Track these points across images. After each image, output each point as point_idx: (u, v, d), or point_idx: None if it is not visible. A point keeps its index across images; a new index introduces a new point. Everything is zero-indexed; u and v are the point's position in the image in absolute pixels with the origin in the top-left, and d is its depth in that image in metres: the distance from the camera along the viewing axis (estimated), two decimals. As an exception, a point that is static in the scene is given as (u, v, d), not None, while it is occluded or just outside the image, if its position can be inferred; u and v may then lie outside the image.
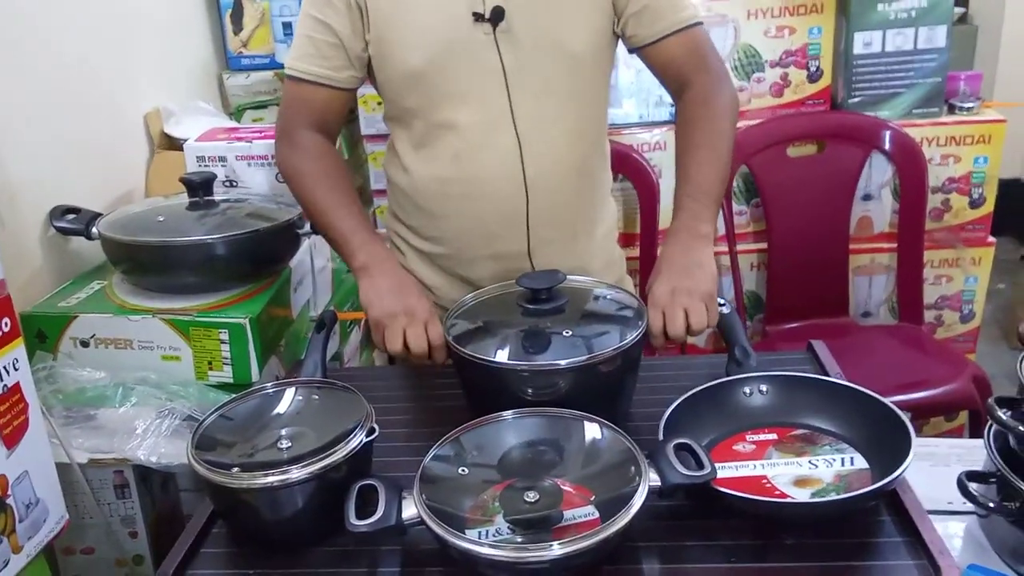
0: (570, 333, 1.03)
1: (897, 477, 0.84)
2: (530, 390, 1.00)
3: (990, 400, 0.94)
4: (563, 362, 0.98)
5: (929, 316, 2.05)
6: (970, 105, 1.94)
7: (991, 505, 0.92)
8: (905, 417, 0.92)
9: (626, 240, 1.95)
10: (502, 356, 1.01)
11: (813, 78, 1.97)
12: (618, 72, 1.95)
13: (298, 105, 1.21)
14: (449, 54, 1.13)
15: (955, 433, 2.03)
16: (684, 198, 1.14)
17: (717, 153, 1.15)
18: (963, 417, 2.01)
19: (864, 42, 1.90)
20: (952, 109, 1.96)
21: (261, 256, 1.35)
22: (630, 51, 1.22)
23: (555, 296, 1.07)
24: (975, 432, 1.81)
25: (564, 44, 1.15)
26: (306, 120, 1.21)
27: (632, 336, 1.01)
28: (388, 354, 1.14)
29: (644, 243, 1.98)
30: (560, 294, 1.07)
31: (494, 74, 1.14)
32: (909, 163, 1.92)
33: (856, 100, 1.95)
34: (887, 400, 0.95)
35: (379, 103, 1.43)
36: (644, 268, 1.95)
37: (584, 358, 0.98)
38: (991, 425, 0.96)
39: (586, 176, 1.24)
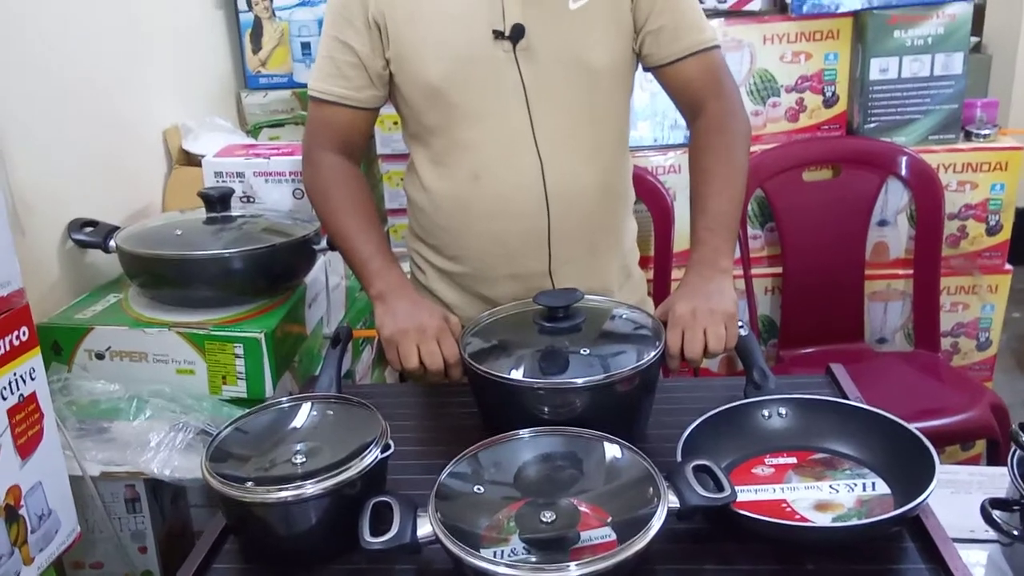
0: (587, 352, 1.03)
1: (922, 502, 0.82)
2: (546, 408, 0.99)
3: (1015, 427, 0.93)
4: (580, 381, 0.97)
5: (945, 344, 2.03)
6: (987, 132, 1.94)
7: (1015, 533, 0.90)
8: (928, 442, 0.90)
9: (640, 263, 1.94)
10: (518, 374, 1.00)
11: (829, 103, 1.97)
12: (633, 94, 1.95)
13: (322, 127, 1.22)
14: (468, 71, 1.13)
15: (972, 463, 2.01)
16: (703, 231, 1.14)
17: (733, 184, 1.16)
18: (980, 446, 1.98)
19: (880, 68, 1.90)
20: (968, 136, 1.96)
21: (277, 271, 1.35)
22: (646, 70, 1.23)
23: (572, 315, 1.06)
24: (992, 461, 1.78)
25: (585, 61, 1.15)
26: (330, 142, 1.22)
27: (650, 356, 1.01)
28: (402, 374, 1.13)
29: (658, 266, 1.97)
30: (577, 313, 1.07)
31: (514, 92, 1.14)
32: (925, 189, 1.92)
33: (872, 126, 1.94)
34: (909, 425, 0.94)
35: (395, 123, 1.44)
36: (658, 290, 1.94)
37: (601, 377, 0.97)
38: (1015, 451, 0.95)
39: (608, 194, 1.23)
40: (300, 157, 1.47)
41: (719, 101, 1.18)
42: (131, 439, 1.11)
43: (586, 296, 1.08)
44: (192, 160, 1.68)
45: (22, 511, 0.85)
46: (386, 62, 1.17)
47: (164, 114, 1.73)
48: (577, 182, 1.18)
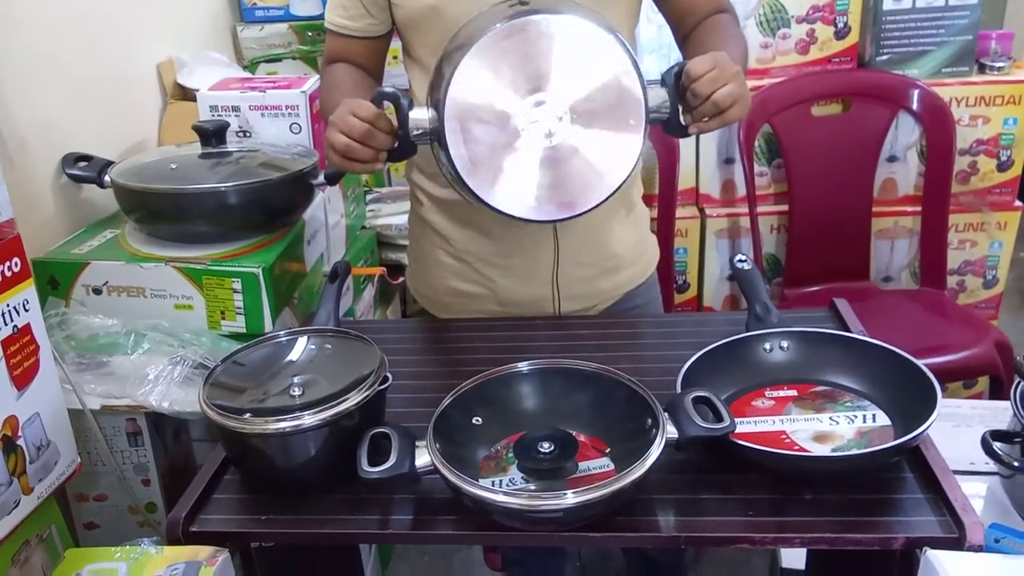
0: None
1: (922, 432, 0.82)
2: None
3: (1018, 358, 0.92)
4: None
5: (951, 282, 2.01)
6: (1001, 65, 1.89)
7: (1015, 464, 0.90)
8: (929, 373, 0.89)
9: (643, 200, 1.91)
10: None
11: (840, 35, 1.91)
12: (639, 27, 1.90)
13: (332, 55, 1.24)
14: None
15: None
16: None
17: (740, 47, 1.09)
18: (982, 384, 1.98)
19: (894, -3, 1.85)
20: (982, 69, 1.91)
21: (274, 206, 1.33)
22: None
23: None
24: (995, 399, 1.78)
25: None
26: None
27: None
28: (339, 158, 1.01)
29: (662, 206, 1.94)
30: None
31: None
32: (937, 124, 1.88)
33: (884, 58, 1.89)
34: (912, 357, 0.93)
35: (395, 57, 1.40)
36: (661, 233, 1.91)
37: None
38: (1018, 384, 0.94)
39: None
40: (297, 91, 1.47)
41: (719, 12, 1.16)
42: (129, 373, 1.11)
43: None
44: (188, 95, 1.65)
45: (20, 442, 0.86)
46: None
47: (158, 48, 1.69)
48: None
